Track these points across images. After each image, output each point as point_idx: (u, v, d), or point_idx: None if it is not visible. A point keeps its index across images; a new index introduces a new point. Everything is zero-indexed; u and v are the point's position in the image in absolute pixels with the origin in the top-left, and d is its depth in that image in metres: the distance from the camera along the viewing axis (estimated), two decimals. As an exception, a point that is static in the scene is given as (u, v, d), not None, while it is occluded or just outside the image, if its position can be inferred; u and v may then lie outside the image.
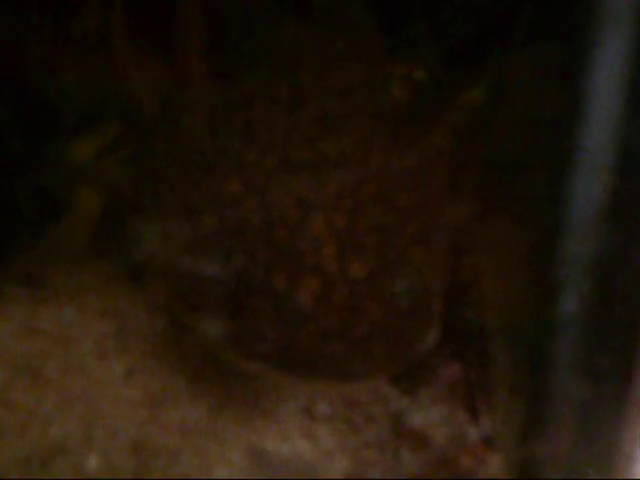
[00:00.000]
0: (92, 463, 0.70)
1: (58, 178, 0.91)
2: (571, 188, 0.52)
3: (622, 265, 0.53)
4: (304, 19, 0.91)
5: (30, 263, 0.90)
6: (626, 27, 0.50)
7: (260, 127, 0.73)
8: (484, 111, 0.98)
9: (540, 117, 0.62)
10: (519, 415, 0.63)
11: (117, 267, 0.88)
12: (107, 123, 0.95)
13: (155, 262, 0.71)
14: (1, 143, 0.89)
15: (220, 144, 0.73)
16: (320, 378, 0.65)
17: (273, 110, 0.75)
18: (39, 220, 0.91)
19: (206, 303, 0.67)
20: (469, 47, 0.99)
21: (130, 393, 0.76)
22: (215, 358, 0.71)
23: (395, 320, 0.67)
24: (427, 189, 0.77)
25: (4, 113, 0.88)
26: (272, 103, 0.75)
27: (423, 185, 0.77)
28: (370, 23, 0.98)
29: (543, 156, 0.58)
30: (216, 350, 0.69)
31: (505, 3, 0.92)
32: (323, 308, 0.64)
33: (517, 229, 0.69)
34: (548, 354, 0.56)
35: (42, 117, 0.90)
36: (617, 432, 0.57)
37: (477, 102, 1.01)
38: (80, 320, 0.83)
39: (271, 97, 0.76)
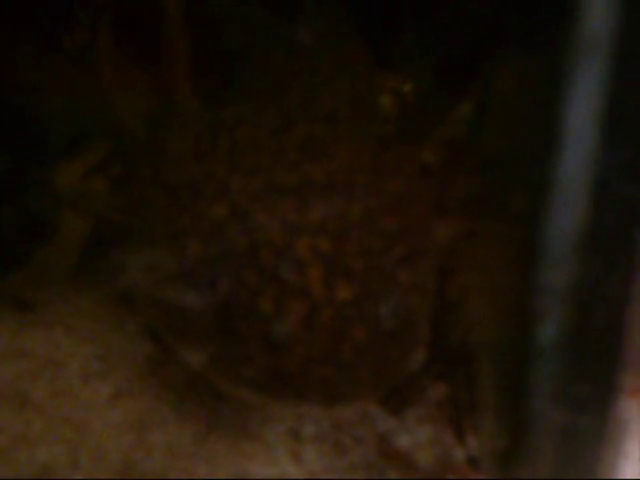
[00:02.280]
0: (79, 486, 0.70)
1: (45, 201, 0.92)
2: (549, 216, 0.52)
3: (599, 294, 0.53)
4: (291, 39, 0.91)
5: (17, 286, 0.90)
6: (602, 59, 0.50)
7: (246, 151, 0.73)
8: (472, 125, 0.98)
9: (520, 143, 0.62)
10: (502, 437, 0.64)
11: (104, 291, 0.88)
12: (94, 144, 0.95)
13: (140, 288, 0.71)
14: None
15: (206, 168, 0.73)
16: (307, 402, 0.65)
17: (259, 134, 0.75)
18: (26, 243, 0.91)
19: (192, 330, 0.67)
20: (459, 61, 0.99)
21: (116, 416, 0.76)
22: (202, 381, 0.71)
23: (381, 342, 0.68)
24: (414, 210, 0.77)
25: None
26: (258, 127, 0.76)
27: (410, 206, 0.77)
28: (358, 38, 0.98)
29: (522, 183, 0.59)
30: (202, 375, 0.69)
31: (495, 18, 0.92)
32: (309, 332, 0.64)
33: (500, 253, 0.69)
34: (527, 380, 0.56)
35: (29, 139, 0.91)
36: (596, 458, 0.58)
37: (465, 117, 1.01)
38: (67, 343, 0.83)
39: (257, 121, 0.76)
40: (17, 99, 0.92)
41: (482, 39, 0.97)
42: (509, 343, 0.61)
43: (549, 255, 0.53)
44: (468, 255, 0.84)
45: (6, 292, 0.89)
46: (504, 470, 0.64)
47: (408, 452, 0.77)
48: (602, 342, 0.54)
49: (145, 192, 0.76)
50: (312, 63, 0.87)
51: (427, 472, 0.75)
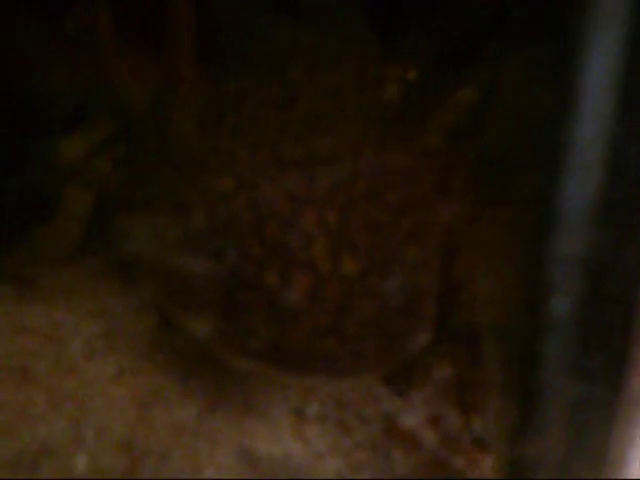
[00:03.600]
0: (81, 463, 0.69)
1: (47, 177, 0.91)
2: (561, 188, 0.52)
3: (613, 265, 0.52)
4: (297, 19, 0.91)
5: (19, 262, 0.90)
6: (617, 28, 0.49)
7: (251, 125, 0.73)
8: (477, 110, 0.98)
9: (531, 117, 0.62)
10: (510, 416, 0.63)
11: (107, 266, 0.87)
12: (98, 121, 0.95)
13: (144, 260, 0.70)
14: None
15: (211, 142, 0.72)
16: (311, 375, 0.64)
17: (264, 108, 0.74)
18: (28, 219, 0.90)
19: (196, 301, 0.66)
20: (462, 47, 0.99)
21: (120, 393, 0.75)
22: (205, 357, 0.71)
23: (387, 318, 0.67)
24: (419, 188, 0.77)
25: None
26: (263, 101, 0.75)
27: (415, 184, 0.77)
28: (363, 23, 0.98)
29: (533, 156, 0.58)
30: (207, 348, 0.68)
31: (498, 3, 0.92)
32: (315, 305, 0.64)
33: (509, 229, 0.68)
34: (539, 354, 0.56)
35: (32, 115, 0.90)
36: (608, 433, 0.57)
37: (469, 102, 1.01)
38: (69, 319, 0.83)
39: (262, 95, 0.76)
40: (20, 76, 0.91)
41: (486, 20, 0.97)
42: (519, 317, 0.61)
43: (562, 226, 0.52)
44: (474, 234, 0.83)
45: (8, 268, 0.88)
46: (512, 447, 0.63)
47: (413, 432, 0.76)
48: (616, 314, 0.53)
49: (150, 167, 0.76)
50: (317, 40, 0.87)
51: (433, 452, 0.74)
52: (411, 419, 0.77)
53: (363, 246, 0.67)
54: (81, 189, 0.92)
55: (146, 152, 0.79)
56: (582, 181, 0.52)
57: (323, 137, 0.72)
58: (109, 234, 0.73)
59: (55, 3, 0.98)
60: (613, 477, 0.59)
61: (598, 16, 0.50)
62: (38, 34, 0.96)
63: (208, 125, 0.75)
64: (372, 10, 0.99)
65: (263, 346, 0.63)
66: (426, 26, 1.04)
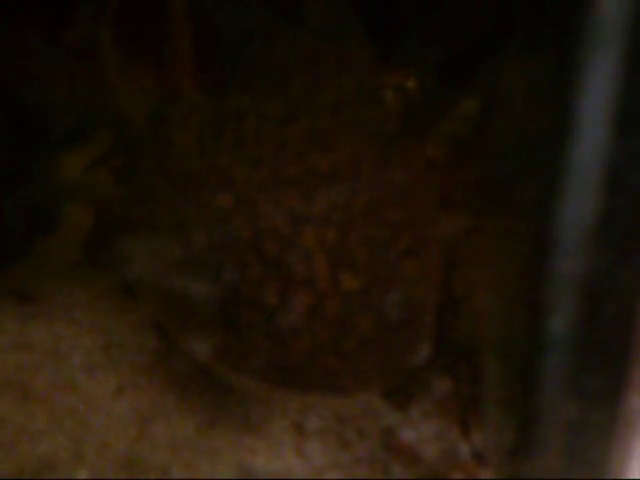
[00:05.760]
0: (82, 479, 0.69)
1: (47, 192, 0.91)
2: (560, 207, 0.52)
3: (611, 285, 0.52)
4: (295, 31, 0.91)
5: (20, 277, 0.90)
6: (617, 46, 0.49)
7: (250, 141, 0.73)
8: (479, 121, 0.98)
9: (530, 133, 0.62)
10: (509, 432, 0.63)
11: (107, 282, 0.87)
12: (97, 136, 0.95)
13: (145, 278, 0.70)
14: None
15: (210, 159, 0.73)
16: (312, 392, 0.64)
17: (263, 124, 0.74)
18: (29, 234, 0.91)
19: (196, 319, 0.67)
20: (463, 57, 0.99)
21: (120, 409, 0.75)
22: (205, 374, 0.71)
23: (387, 334, 0.67)
24: (419, 202, 0.77)
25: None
26: (262, 117, 0.75)
27: (415, 198, 0.77)
28: (362, 33, 0.98)
29: (533, 173, 0.58)
30: (207, 365, 0.68)
31: (500, 14, 0.92)
32: (315, 322, 0.64)
33: (509, 245, 0.69)
34: (537, 372, 0.56)
35: (31, 130, 0.90)
36: (606, 452, 0.57)
37: (470, 114, 1.01)
38: (70, 335, 0.83)
39: (261, 111, 0.76)
40: (19, 90, 0.91)
41: (487, 34, 0.97)
42: (518, 336, 0.61)
43: (560, 246, 0.52)
44: (474, 249, 0.83)
45: (9, 283, 0.88)
46: (511, 465, 0.63)
47: (413, 447, 0.76)
48: (613, 335, 0.53)
49: (149, 183, 0.76)
50: (316, 55, 0.87)
51: (432, 467, 0.74)
52: (411, 434, 0.77)
53: (362, 263, 0.67)
54: (81, 205, 0.92)
55: (145, 168, 0.79)
56: (581, 201, 0.52)
57: (323, 153, 0.72)
58: (110, 252, 0.73)
59: (55, 15, 0.98)
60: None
61: (597, 35, 0.51)
62: (38, 46, 0.96)
63: (207, 141, 0.75)
64: (371, 16, 0.99)
65: (263, 364, 0.63)
66: (427, 33, 1.04)
